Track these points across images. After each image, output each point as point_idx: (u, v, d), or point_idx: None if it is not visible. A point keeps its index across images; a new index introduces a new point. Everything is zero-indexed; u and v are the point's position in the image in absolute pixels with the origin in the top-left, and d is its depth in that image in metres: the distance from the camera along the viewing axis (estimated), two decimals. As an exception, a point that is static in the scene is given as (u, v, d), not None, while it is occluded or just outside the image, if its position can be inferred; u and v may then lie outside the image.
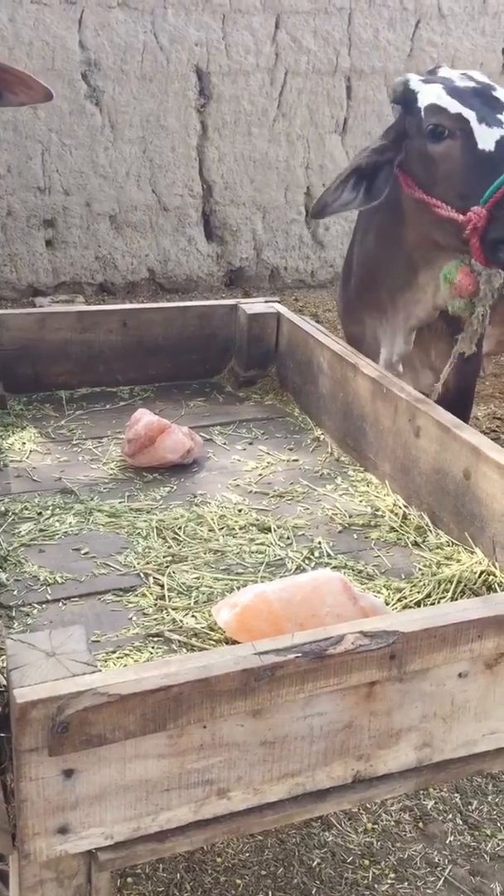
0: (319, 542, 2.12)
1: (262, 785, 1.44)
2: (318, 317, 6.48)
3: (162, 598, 1.87)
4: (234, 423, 2.76)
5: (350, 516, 2.25)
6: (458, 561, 2.03)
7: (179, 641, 1.73)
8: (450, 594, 1.90)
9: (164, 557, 2.02)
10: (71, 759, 1.29)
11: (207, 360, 3.03)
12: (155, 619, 1.81)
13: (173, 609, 1.83)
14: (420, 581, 1.97)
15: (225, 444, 2.64)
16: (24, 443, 2.56)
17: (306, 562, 2.04)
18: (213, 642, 1.73)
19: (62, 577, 1.94)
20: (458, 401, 2.90)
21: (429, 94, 2.53)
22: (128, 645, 1.72)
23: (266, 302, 3.07)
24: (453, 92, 2.51)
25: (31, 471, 2.42)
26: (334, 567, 2.01)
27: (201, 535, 2.12)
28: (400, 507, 2.28)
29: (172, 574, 1.95)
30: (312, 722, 1.43)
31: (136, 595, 1.89)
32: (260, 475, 2.45)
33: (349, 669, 1.40)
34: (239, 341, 3.01)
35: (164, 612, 1.83)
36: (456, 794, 2.79)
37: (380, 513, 2.28)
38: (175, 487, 2.37)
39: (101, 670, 1.34)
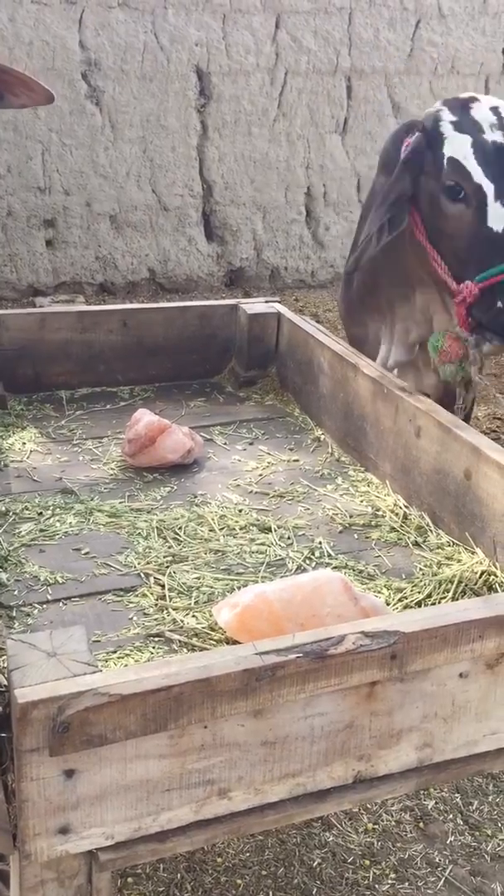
0: (320, 543, 2.12)
1: (262, 785, 1.44)
2: (318, 317, 6.48)
3: (162, 598, 1.87)
4: (235, 423, 2.76)
5: (351, 516, 2.25)
6: (459, 561, 2.03)
7: (180, 641, 1.73)
8: (450, 594, 1.90)
9: (164, 557, 2.02)
10: (72, 759, 1.29)
11: (208, 360, 3.03)
12: (155, 620, 1.81)
13: (174, 609, 1.83)
14: (421, 581, 1.97)
15: (225, 444, 2.64)
16: (24, 443, 2.56)
17: (307, 562, 2.04)
18: (214, 642, 1.73)
19: (63, 577, 1.94)
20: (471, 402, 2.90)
21: (455, 147, 2.47)
22: (128, 645, 1.72)
23: (266, 302, 3.07)
24: (480, 152, 2.45)
25: (31, 471, 2.41)
26: (335, 567, 2.01)
27: (202, 535, 2.12)
28: (400, 508, 2.28)
29: (173, 574, 1.95)
30: (313, 722, 1.43)
31: (137, 595, 1.89)
32: (260, 475, 2.45)
33: (350, 669, 1.40)
34: (239, 341, 3.01)
35: (165, 612, 1.83)
36: (456, 795, 2.79)
37: (380, 513, 2.28)
38: (175, 487, 2.37)
39: (101, 670, 1.34)
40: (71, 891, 1.39)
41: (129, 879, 2.45)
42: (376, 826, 2.68)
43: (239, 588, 1.87)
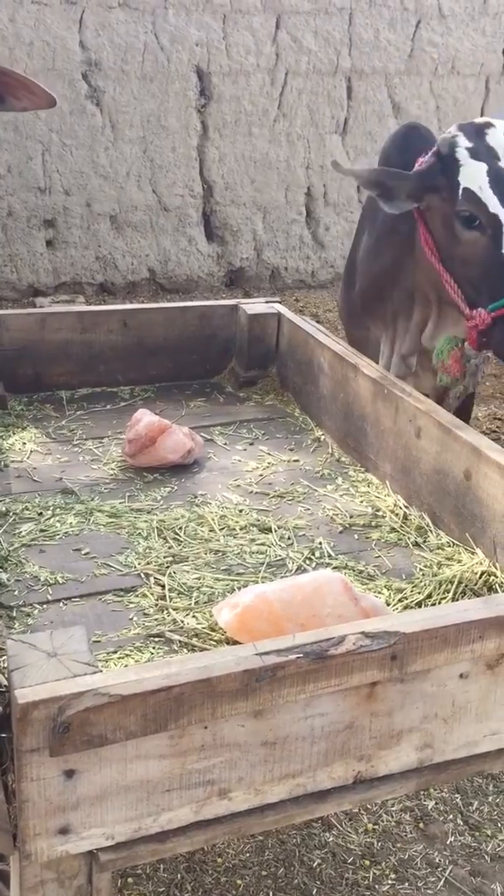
0: (320, 543, 2.12)
1: (263, 785, 1.44)
2: (318, 317, 6.48)
3: (163, 598, 1.87)
4: (235, 423, 2.76)
5: (351, 517, 2.25)
6: (459, 561, 2.03)
7: (180, 642, 1.73)
8: (451, 595, 1.90)
9: (164, 558, 2.02)
10: (72, 759, 1.29)
11: (208, 360, 3.03)
12: (156, 620, 1.81)
13: (174, 609, 1.83)
14: (421, 581, 1.97)
15: (225, 444, 2.64)
16: (24, 443, 2.56)
17: (307, 562, 2.04)
18: (214, 643, 1.73)
19: (63, 577, 1.94)
20: (460, 402, 2.91)
21: (471, 176, 2.45)
22: (129, 645, 1.72)
23: (266, 302, 3.07)
24: (496, 182, 2.44)
25: (31, 471, 2.41)
26: (335, 567, 2.01)
27: (202, 536, 2.12)
28: (401, 508, 2.28)
29: (173, 574, 1.95)
30: (313, 722, 1.43)
31: (137, 595, 1.89)
32: (260, 475, 2.45)
33: (350, 670, 1.40)
34: (239, 341, 3.01)
35: (165, 612, 1.83)
36: (456, 795, 2.79)
37: (380, 513, 2.28)
38: (176, 488, 2.37)
39: (101, 671, 1.34)
40: (71, 891, 1.39)
41: (130, 880, 2.45)
42: (376, 826, 2.68)
43: (239, 588, 1.87)
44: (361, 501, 2.34)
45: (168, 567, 1.98)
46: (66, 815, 1.31)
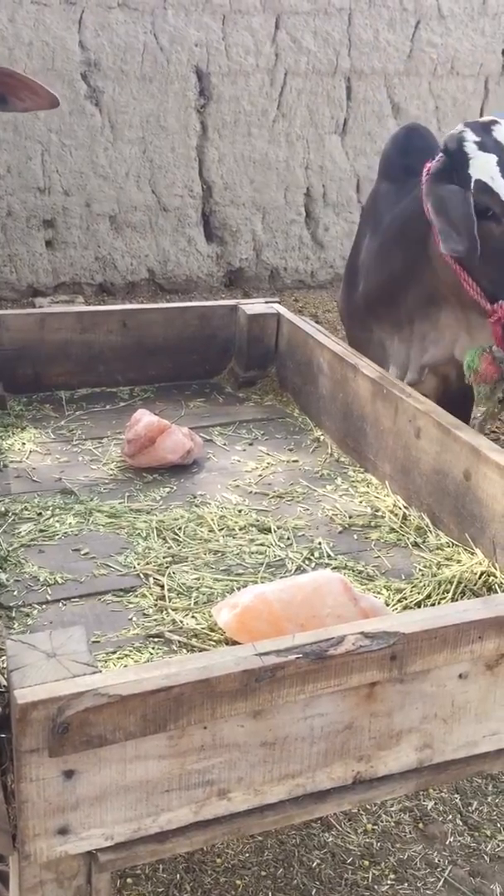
0: (319, 543, 2.12)
1: (262, 786, 1.44)
2: (317, 317, 6.48)
3: (162, 598, 1.87)
4: (234, 423, 2.76)
5: (350, 517, 2.25)
6: (459, 562, 2.03)
7: (180, 642, 1.73)
8: (450, 595, 1.90)
9: (164, 558, 2.02)
10: (71, 759, 1.28)
11: (207, 360, 3.03)
12: (155, 620, 1.81)
13: (173, 610, 1.83)
14: (420, 582, 1.97)
15: (225, 444, 2.64)
16: (24, 443, 2.56)
17: (306, 562, 2.04)
18: (214, 643, 1.73)
19: (62, 577, 1.94)
20: (460, 402, 2.89)
21: (481, 168, 2.45)
22: (128, 645, 1.72)
23: (266, 302, 3.07)
24: None
25: (31, 471, 2.41)
26: (334, 568, 2.01)
27: (201, 536, 2.12)
28: (400, 508, 2.28)
29: (172, 575, 1.95)
30: (313, 723, 1.43)
31: (137, 596, 1.89)
32: (260, 476, 2.45)
33: (350, 670, 1.40)
34: (239, 342, 3.01)
35: (165, 612, 1.83)
36: (456, 795, 2.79)
37: (380, 513, 2.28)
38: (175, 488, 2.37)
39: (101, 671, 1.34)
40: (70, 891, 1.39)
41: (129, 880, 2.45)
42: (376, 827, 2.68)
43: (238, 589, 1.87)
44: (361, 502, 2.34)
45: (167, 567, 1.98)
46: (65, 816, 1.31)
